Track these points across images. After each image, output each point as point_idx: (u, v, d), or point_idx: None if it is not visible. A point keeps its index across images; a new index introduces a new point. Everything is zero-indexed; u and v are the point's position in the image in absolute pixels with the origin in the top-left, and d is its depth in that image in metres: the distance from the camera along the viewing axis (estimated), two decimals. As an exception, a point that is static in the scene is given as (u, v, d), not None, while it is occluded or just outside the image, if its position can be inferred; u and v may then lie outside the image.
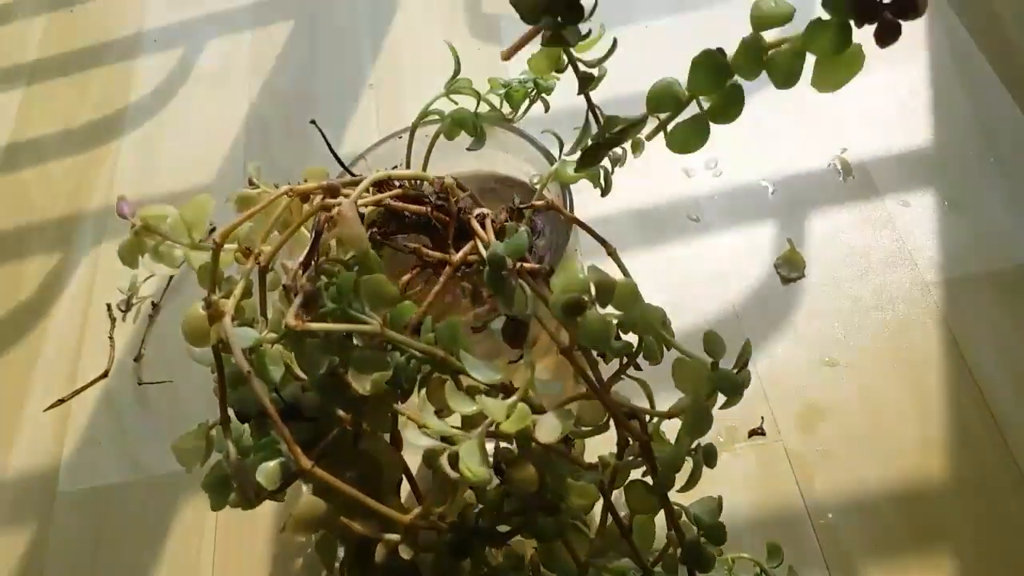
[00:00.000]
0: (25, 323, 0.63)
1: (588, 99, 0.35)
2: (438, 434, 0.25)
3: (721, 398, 0.31)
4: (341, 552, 0.34)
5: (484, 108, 0.41)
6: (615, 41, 0.35)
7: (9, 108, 0.80)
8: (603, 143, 0.29)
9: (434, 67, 0.72)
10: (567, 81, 0.36)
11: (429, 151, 0.41)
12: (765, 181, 0.60)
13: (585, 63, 0.34)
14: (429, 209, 0.32)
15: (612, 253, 0.33)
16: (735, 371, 0.31)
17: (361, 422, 0.29)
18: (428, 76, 0.71)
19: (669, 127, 0.28)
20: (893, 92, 0.62)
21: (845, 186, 0.58)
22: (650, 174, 0.59)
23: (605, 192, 0.38)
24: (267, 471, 0.28)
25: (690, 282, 0.55)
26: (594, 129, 0.37)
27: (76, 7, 0.87)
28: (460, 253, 0.31)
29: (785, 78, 0.25)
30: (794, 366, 0.51)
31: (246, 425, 0.33)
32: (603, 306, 0.27)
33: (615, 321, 0.29)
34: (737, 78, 0.26)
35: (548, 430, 0.27)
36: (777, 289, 0.54)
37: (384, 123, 0.69)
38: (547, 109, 0.42)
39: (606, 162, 0.38)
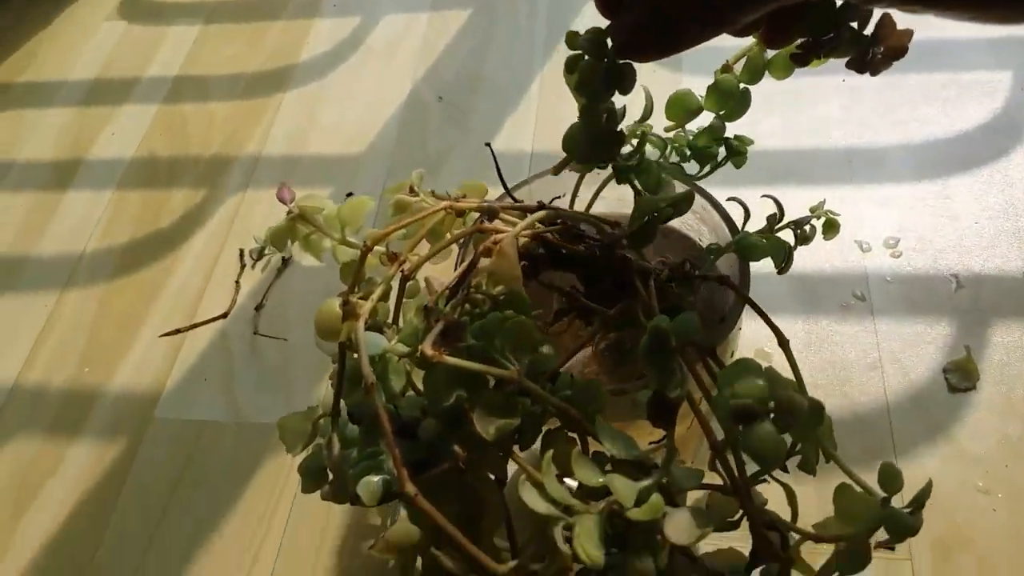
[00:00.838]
0: (160, 250, 0.66)
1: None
2: (557, 500, 0.25)
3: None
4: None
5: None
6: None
7: (184, 42, 0.83)
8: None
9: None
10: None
11: (598, 191, 0.40)
12: (950, 274, 0.55)
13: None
14: (590, 253, 0.32)
15: (785, 346, 0.31)
16: (908, 511, 0.28)
17: (474, 461, 0.29)
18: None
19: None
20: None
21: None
22: (820, 239, 0.57)
23: (783, 270, 0.36)
24: (369, 487, 0.29)
25: (843, 364, 0.52)
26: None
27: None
28: (616, 309, 0.30)
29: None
30: (943, 484, 0.47)
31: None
32: (780, 430, 0.26)
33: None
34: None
35: (681, 530, 0.25)
36: (941, 396, 0.50)
37: (541, 130, 0.69)
38: (739, 166, 0.39)
39: (790, 237, 0.36)
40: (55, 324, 0.63)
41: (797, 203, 0.39)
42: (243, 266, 0.64)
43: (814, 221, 0.38)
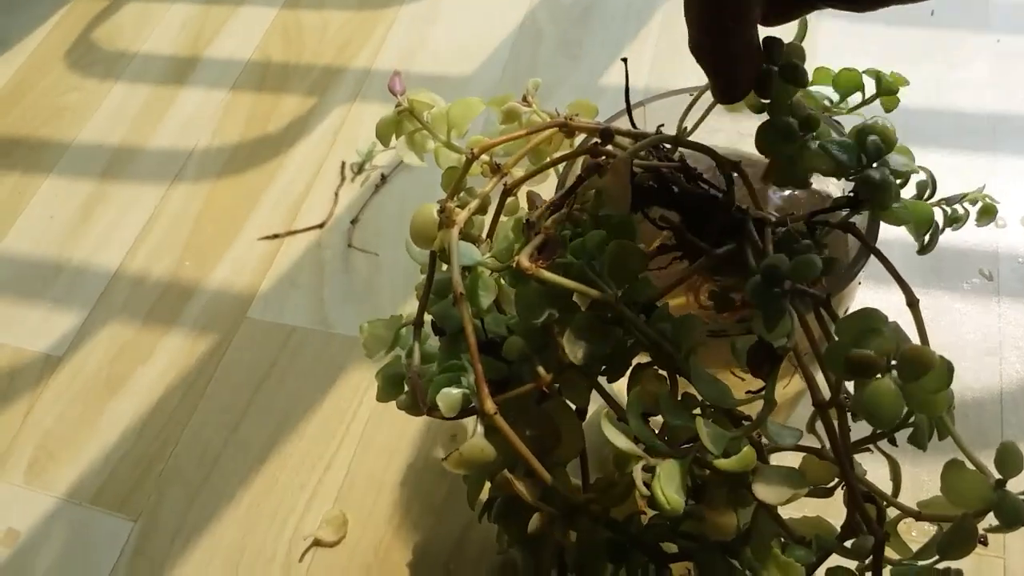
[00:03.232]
0: (265, 153, 0.67)
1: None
2: (640, 438, 0.24)
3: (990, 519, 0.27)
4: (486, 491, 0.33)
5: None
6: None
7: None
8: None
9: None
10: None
11: (704, 115, 0.37)
12: (1090, 261, 0.51)
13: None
14: (703, 192, 0.30)
15: (914, 305, 0.28)
16: None
17: (557, 385, 0.27)
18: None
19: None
20: None
21: None
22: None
23: (925, 249, 0.33)
24: (448, 398, 0.28)
25: (959, 345, 0.48)
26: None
27: None
28: (723, 249, 0.28)
29: None
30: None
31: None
32: (903, 380, 0.23)
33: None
34: None
35: (771, 490, 0.24)
36: None
37: (659, 65, 0.66)
38: (889, 109, 0.34)
39: (939, 216, 0.33)
40: (161, 216, 0.64)
41: (938, 169, 0.35)
42: (343, 179, 0.64)
43: (967, 204, 0.35)
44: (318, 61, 0.73)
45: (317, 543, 0.47)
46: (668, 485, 0.23)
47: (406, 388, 0.35)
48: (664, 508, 0.22)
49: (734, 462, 0.24)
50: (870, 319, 0.24)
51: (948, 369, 0.24)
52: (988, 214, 0.35)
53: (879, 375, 0.24)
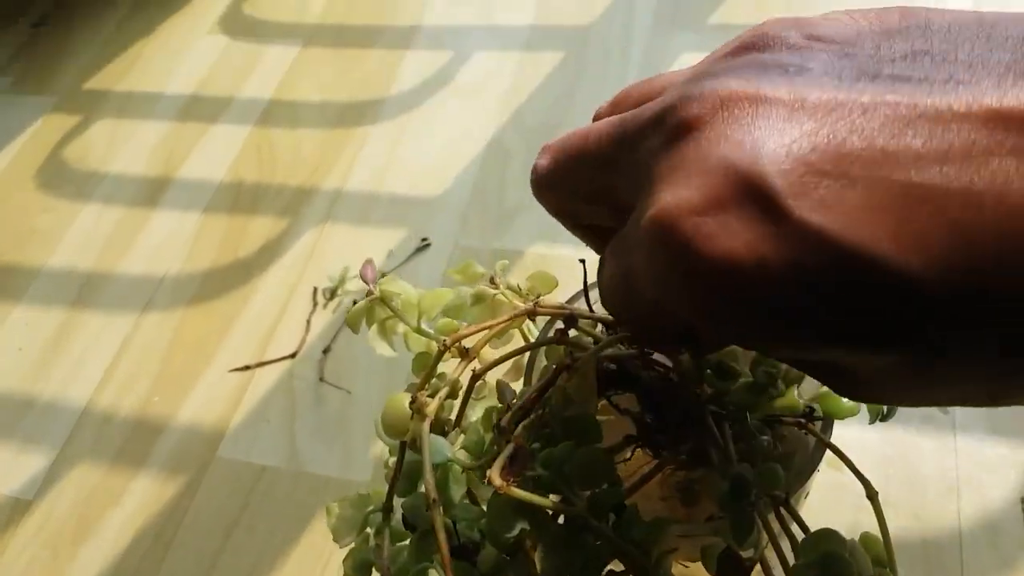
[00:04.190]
0: (237, 278, 0.67)
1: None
2: None
3: None
4: None
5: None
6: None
7: (282, 65, 0.84)
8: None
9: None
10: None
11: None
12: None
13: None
14: (662, 374, 0.30)
15: (873, 498, 0.29)
16: None
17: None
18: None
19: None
20: None
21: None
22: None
23: (887, 418, 0.34)
24: (421, 613, 0.28)
25: (917, 482, 0.49)
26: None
27: (368, -17, 0.90)
28: (687, 448, 0.28)
29: None
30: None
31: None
32: None
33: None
34: None
35: None
36: (1015, 523, 0.47)
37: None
38: None
39: None
40: (130, 347, 0.64)
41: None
42: (315, 305, 0.64)
43: None
44: (290, 181, 0.73)
45: None
46: None
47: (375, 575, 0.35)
48: None
49: None
50: (830, 541, 0.25)
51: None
52: None
53: None
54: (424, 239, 0.66)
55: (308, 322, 0.63)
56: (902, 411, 0.51)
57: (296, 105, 0.80)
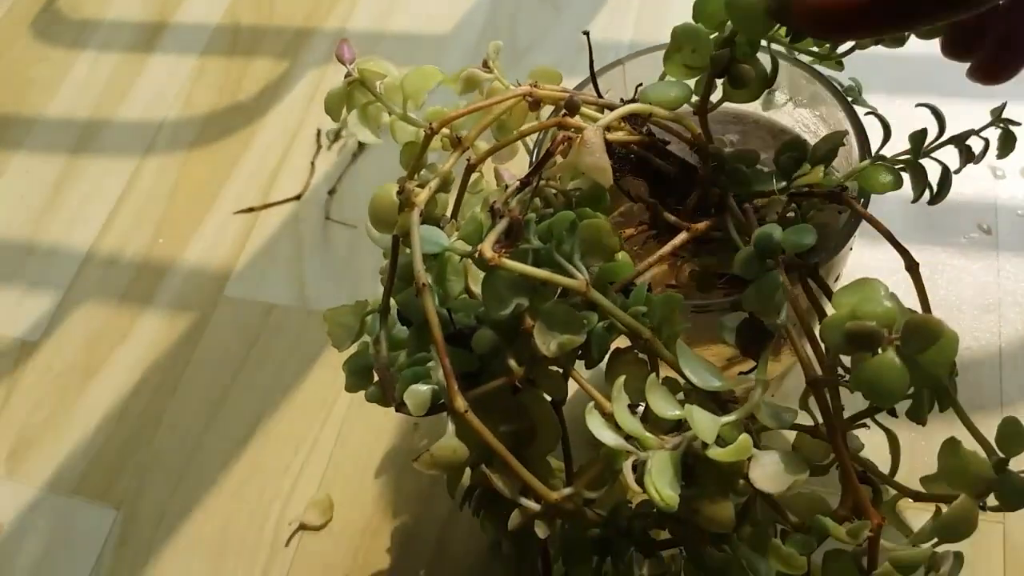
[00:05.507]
0: (238, 122, 0.64)
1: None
2: (628, 433, 0.22)
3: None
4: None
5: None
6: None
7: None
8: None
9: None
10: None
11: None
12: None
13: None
14: (680, 163, 0.28)
15: (913, 269, 0.26)
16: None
17: (531, 378, 0.26)
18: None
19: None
20: None
21: None
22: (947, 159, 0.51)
23: (935, 200, 0.31)
24: (416, 396, 0.26)
25: (956, 303, 0.46)
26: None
27: None
28: (703, 223, 0.26)
29: None
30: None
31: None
32: (906, 354, 0.22)
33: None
34: None
35: (770, 477, 0.22)
36: None
37: (645, 17, 0.63)
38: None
39: (952, 158, 0.31)
40: (133, 191, 0.62)
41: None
42: (319, 147, 0.62)
43: (984, 133, 0.32)
44: (289, 23, 0.70)
45: (303, 527, 0.46)
46: (660, 480, 0.21)
47: (375, 378, 0.33)
48: (659, 504, 0.21)
49: (731, 452, 0.22)
50: (869, 289, 0.23)
51: (954, 339, 0.23)
52: (1008, 143, 0.32)
53: (881, 349, 0.22)
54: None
55: (312, 164, 0.61)
56: (942, 225, 0.48)
57: (294, -57, 0.75)
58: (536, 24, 0.65)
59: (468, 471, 0.31)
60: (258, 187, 0.60)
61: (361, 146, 0.61)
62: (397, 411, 0.29)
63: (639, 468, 0.22)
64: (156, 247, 0.59)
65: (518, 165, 0.34)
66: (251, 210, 0.59)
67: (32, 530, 0.49)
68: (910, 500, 0.27)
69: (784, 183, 0.27)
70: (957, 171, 0.31)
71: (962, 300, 0.47)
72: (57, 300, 0.57)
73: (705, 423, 0.22)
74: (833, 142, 0.29)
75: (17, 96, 0.71)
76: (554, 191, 0.27)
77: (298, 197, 0.59)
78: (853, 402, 0.27)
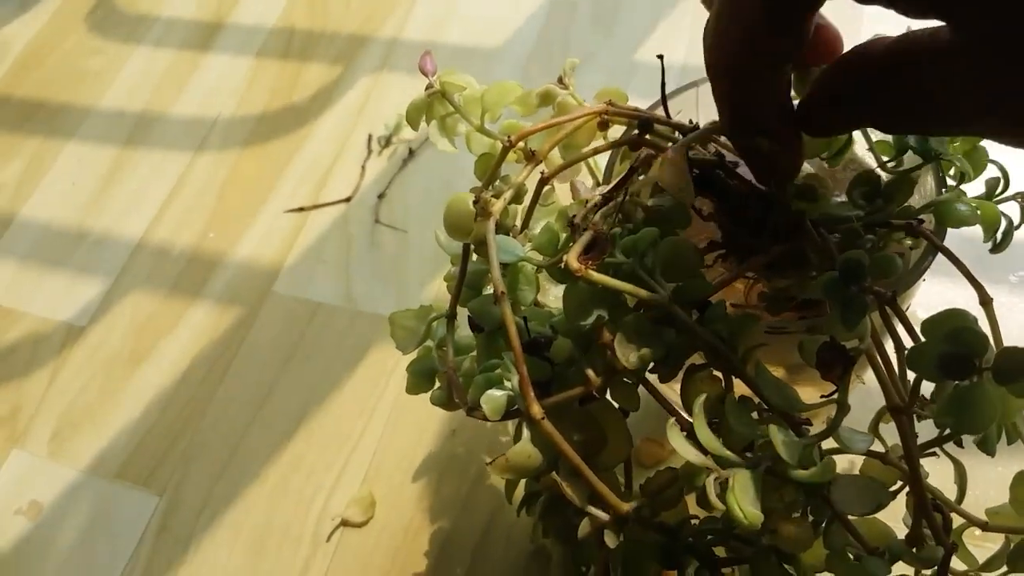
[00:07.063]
0: (290, 124, 0.66)
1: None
2: (710, 451, 0.23)
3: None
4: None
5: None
6: None
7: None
8: None
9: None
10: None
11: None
12: None
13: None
14: (754, 187, 0.28)
15: (987, 304, 0.27)
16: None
17: (606, 389, 0.27)
18: None
19: None
20: None
21: None
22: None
23: (998, 248, 0.32)
24: (493, 401, 0.27)
25: (1015, 340, 0.47)
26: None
27: None
28: (782, 249, 0.27)
29: None
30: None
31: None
32: (999, 382, 0.22)
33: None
34: None
35: (852, 500, 0.23)
36: None
37: (696, 42, 0.64)
38: None
39: (1013, 211, 0.32)
40: (185, 185, 0.63)
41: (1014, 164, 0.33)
42: (370, 151, 0.63)
43: None
44: (343, 29, 0.71)
45: (345, 523, 0.46)
46: (743, 498, 0.22)
47: (438, 383, 0.34)
48: (742, 522, 0.22)
49: (815, 474, 0.23)
50: (960, 318, 0.23)
51: None
52: None
53: (976, 377, 0.22)
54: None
55: (363, 168, 0.62)
56: (989, 261, 0.48)
57: (351, -49, 0.77)
58: (588, 42, 0.66)
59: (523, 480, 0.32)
60: (308, 188, 0.61)
61: (411, 153, 0.62)
62: (468, 415, 0.29)
63: (719, 486, 0.22)
64: (206, 241, 0.60)
65: (582, 178, 0.35)
66: (301, 210, 0.60)
67: (72, 513, 0.50)
68: (976, 531, 0.27)
69: (861, 212, 0.28)
70: (1018, 226, 0.32)
71: (1014, 339, 0.47)
72: (106, 287, 0.58)
73: (787, 443, 0.23)
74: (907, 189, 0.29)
75: (70, 86, 0.72)
76: (637, 207, 0.27)
77: (348, 199, 0.60)
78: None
